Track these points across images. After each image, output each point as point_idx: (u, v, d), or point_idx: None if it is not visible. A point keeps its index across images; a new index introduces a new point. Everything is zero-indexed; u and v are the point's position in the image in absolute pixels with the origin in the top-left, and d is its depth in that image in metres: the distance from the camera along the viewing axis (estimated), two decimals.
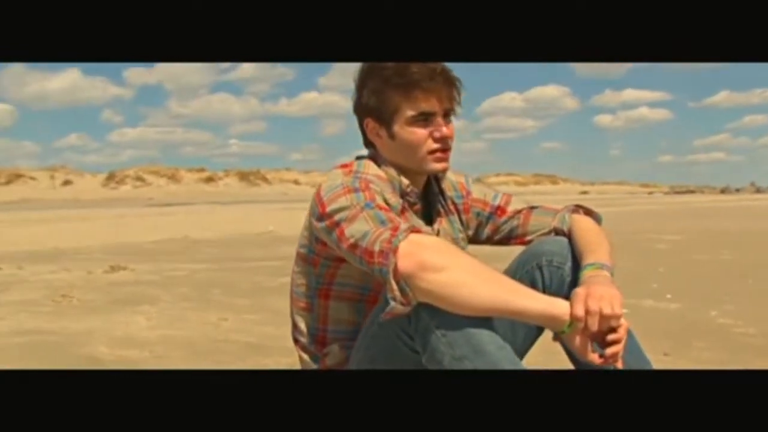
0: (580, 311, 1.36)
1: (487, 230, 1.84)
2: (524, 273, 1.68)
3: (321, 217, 1.53)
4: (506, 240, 1.84)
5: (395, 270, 1.33)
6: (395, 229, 1.38)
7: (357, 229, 1.44)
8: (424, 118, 1.61)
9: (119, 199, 30.43)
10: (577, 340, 1.38)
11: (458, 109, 1.69)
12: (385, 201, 1.56)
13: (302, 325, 1.74)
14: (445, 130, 1.62)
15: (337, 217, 1.49)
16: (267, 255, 7.45)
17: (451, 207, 1.81)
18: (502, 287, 1.36)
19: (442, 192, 1.80)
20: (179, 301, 4.44)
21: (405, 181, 1.67)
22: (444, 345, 1.36)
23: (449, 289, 1.33)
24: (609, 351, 1.39)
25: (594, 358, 1.39)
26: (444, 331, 1.36)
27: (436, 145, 1.63)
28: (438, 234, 1.74)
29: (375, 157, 1.71)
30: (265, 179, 50.44)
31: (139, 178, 45.22)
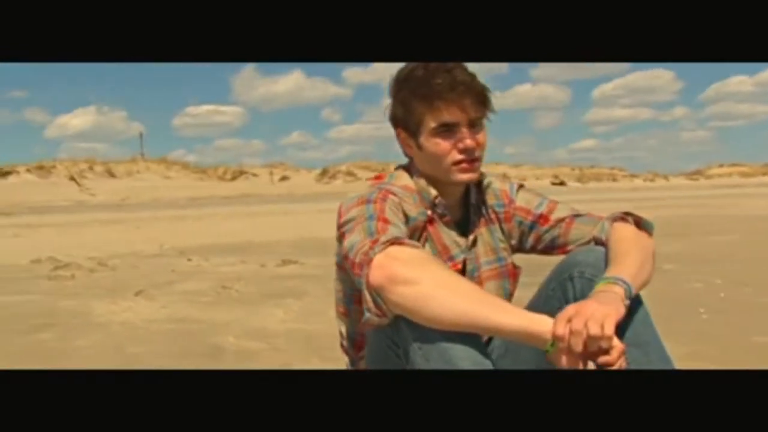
0: (560, 330, 1.29)
1: (530, 239, 1.78)
2: (557, 284, 1.63)
3: (337, 228, 1.58)
4: (549, 249, 1.77)
5: (367, 282, 1.35)
6: (375, 241, 1.39)
7: (351, 240, 1.47)
8: (447, 129, 1.60)
9: (329, 194, 31.94)
10: (564, 360, 1.30)
11: (490, 117, 1.66)
12: (404, 213, 1.57)
13: (343, 330, 1.80)
14: (468, 141, 1.60)
15: (344, 228, 1.53)
16: None
17: (492, 216, 1.77)
18: (476, 302, 1.33)
19: (484, 201, 1.77)
20: (326, 295, 4.62)
21: (433, 192, 1.67)
22: (420, 358, 1.36)
23: (419, 303, 1.32)
24: None
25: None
26: (420, 344, 1.36)
27: (460, 156, 1.61)
28: (474, 243, 1.72)
29: (410, 167, 1.72)
30: None
31: (350, 173, 47.04)
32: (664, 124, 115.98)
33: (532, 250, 1.80)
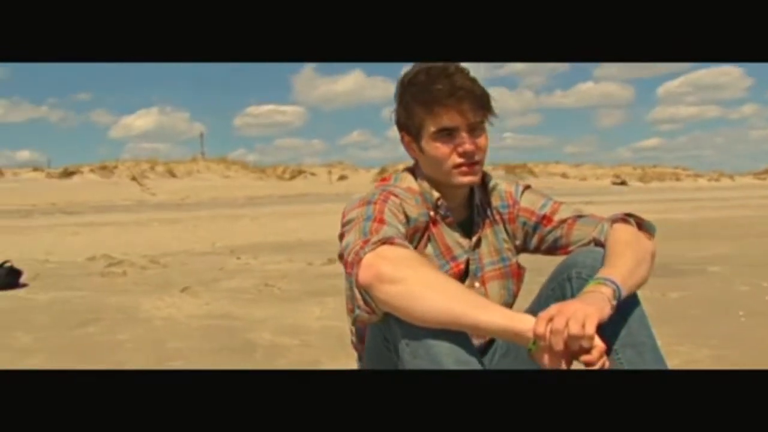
0: (541, 328, 1.32)
1: (534, 240, 1.81)
2: (556, 284, 1.66)
3: (340, 228, 1.64)
4: (552, 250, 1.80)
5: (357, 280, 1.40)
6: (366, 241, 1.45)
7: (347, 240, 1.53)
8: (447, 134, 1.64)
9: None
10: (546, 358, 1.33)
11: (491, 120, 1.70)
12: (405, 214, 1.62)
13: (353, 327, 1.85)
14: (467, 145, 1.64)
15: (344, 229, 1.59)
16: None
17: (497, 217, 1.81)
18: (459, 300, 1.37)
19: (489, 202, 1.81)
20: None
21: (435, 194, 1.72)
22: (408, 354, 1.41)
23: (404, 301, 1.37)
24: None
25: None
26: (408, 340, 1.40)
27: (460, 160, 1.65)
28: (478, 244, 1.76)
29: (415, 169, 1.77)
30: (531, 172, 50.15)
31: None
32: (733, 122, 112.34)
33: (536, 250, 1.83)
